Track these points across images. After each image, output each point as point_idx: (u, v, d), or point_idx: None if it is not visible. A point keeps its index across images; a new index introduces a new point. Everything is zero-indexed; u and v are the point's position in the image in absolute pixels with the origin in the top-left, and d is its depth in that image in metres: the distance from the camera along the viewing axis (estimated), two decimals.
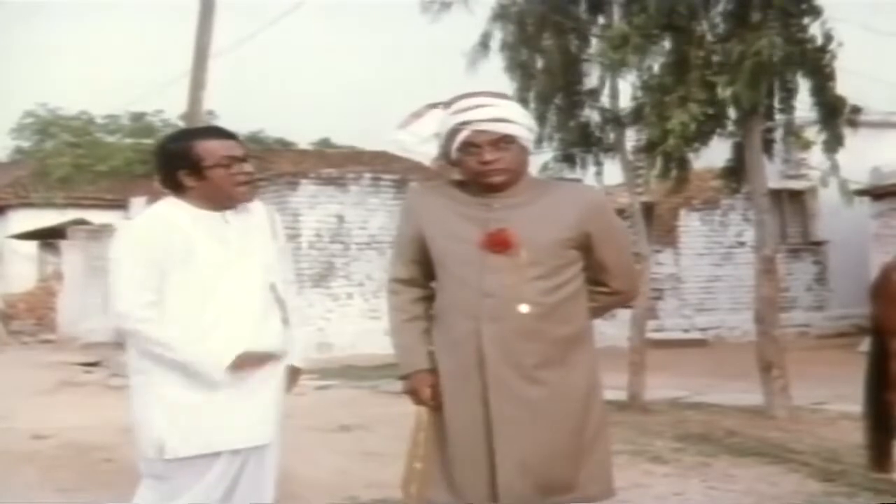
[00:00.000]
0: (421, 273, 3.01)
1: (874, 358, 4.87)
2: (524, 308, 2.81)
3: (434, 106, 3.01)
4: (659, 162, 8.20)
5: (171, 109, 26.28)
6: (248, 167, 3.14)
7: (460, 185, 2.96)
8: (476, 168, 2.86)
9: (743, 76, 7.45)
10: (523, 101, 9.05)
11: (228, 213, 3.14)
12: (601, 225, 2.93)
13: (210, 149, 3.07)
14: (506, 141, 2.84)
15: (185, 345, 3.00)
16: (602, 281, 3.01)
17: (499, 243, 2.83)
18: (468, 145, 2.85)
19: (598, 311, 3.07)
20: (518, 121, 2.88)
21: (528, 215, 2.85)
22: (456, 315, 2.88)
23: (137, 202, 18.27)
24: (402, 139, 3.12)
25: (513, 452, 2.82)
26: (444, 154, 2.97)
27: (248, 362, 3.04)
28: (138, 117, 29.01)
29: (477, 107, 2.85)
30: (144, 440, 3.09)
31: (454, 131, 2.87)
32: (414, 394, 2.98)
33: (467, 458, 2.86)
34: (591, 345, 3.00)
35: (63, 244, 20.86)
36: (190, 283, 3.02)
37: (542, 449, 2.83)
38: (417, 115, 3.09)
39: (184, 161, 3.07)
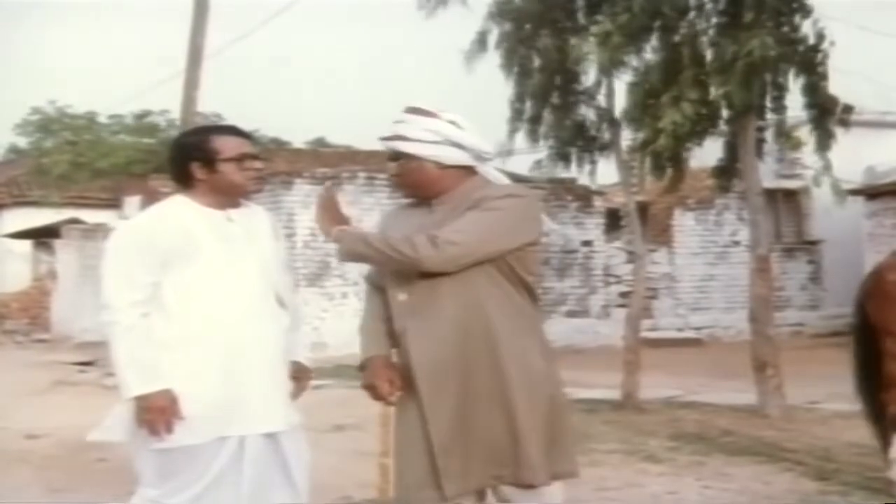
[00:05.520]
0: None
1: (860, 359, 4.89)
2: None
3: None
4: (649, 160, 8.20)
5: (165, 109, 26.25)
6: (258, 164, 3.23)
7: None
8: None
9: (735, 77, 7.46)
10: (520, 100, 9.07)
11: (232, 213, 3.20)
12: (477, 206, 2.84)
13: (226, 143, 3.17)
14: (399, 157, 2.96)
15: (128, 362, 3.03)
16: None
17: None
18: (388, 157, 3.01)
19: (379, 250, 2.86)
20: (411, 137, 2.92)
21: (439, 218, 2.88)
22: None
23: (131, 202, 18.23)
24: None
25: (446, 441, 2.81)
26: None
27: (154, 405, 2.99)
28: (142, 116, 28.80)
29: (393, 122, 2.98)
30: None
31: None
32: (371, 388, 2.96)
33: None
34: (531, 337, 2.89)
35: (57, 243, 20.81)
36: (192, 280, 3.07)
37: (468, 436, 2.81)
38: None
39: (199, 153, 3.15)
